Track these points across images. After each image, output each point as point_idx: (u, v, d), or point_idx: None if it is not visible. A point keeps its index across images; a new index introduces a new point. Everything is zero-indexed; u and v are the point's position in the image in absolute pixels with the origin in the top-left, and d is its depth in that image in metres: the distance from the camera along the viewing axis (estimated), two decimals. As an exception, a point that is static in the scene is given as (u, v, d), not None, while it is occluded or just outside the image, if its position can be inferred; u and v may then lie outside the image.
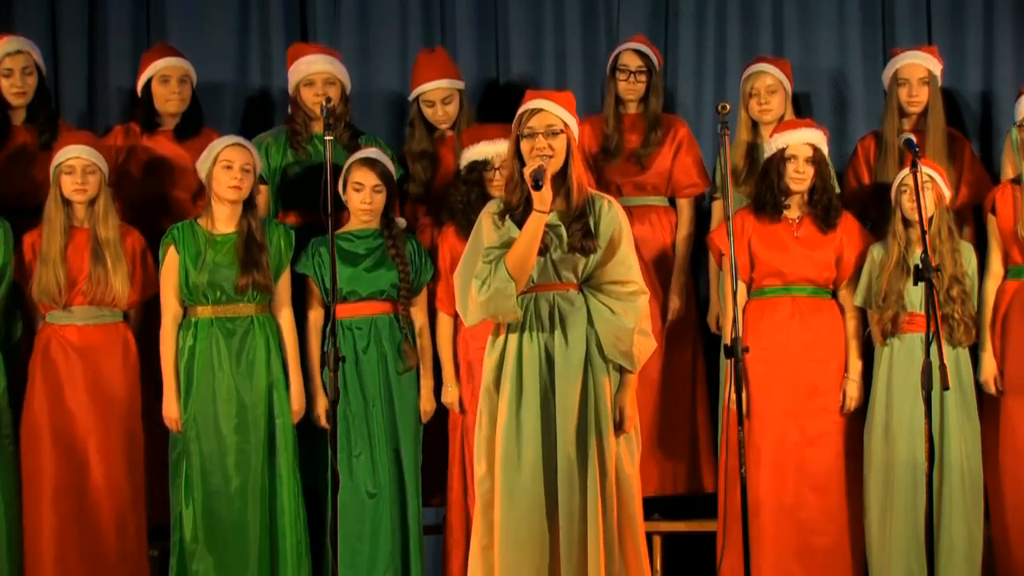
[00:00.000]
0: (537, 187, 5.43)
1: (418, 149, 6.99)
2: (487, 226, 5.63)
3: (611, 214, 5.63)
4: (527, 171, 5.48)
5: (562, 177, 5.59)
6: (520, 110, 5.63)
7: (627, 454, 5.63)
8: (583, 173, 5.65)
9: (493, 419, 5.62)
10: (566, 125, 5.59)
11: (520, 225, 5.54)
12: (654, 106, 6.97)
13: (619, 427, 5.61)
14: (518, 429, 5.56)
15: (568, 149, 5.59)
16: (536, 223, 5.48)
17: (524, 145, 5.58)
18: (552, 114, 5.58)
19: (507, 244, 5.55)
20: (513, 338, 5.62)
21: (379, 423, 6.49)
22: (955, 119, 7.16)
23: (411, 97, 7.03)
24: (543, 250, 5.57)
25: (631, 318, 5.58)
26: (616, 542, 5.55)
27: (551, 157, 5.54)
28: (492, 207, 5.68)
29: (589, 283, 5.64)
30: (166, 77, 6.88)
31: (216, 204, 6.48)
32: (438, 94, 6.97)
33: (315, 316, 6.58)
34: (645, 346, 5.63)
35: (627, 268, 5.62)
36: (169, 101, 6.90)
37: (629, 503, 5.60)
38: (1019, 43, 7.40)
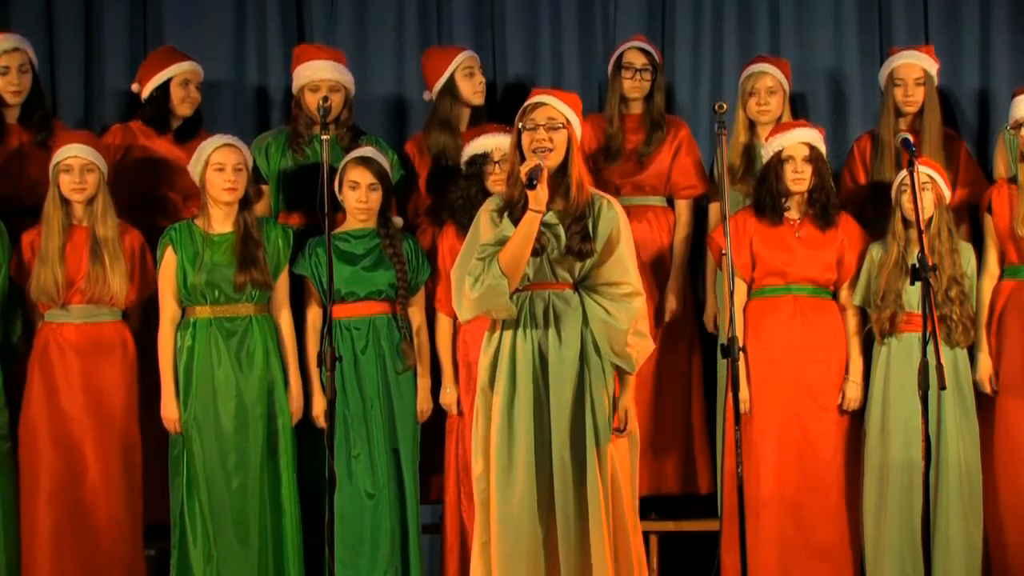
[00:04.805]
0: (531, 186, 5.41)
1: (454, 116, 6.92)
2: (484, 222, 5.63)
3: (610, 214, 5.62)
4: (523, 169, 5.47)
5: (562, 174, 5.59)
6: (524, 104, 5.63)
7: (627, 453, 5.64)
8: (584, 172, 5.64)
9: (488, 418, 5.62)
10: (568, 122, 5.58)
11: (518, 223, 5.53)
12: (658, 103, 6.98)
13: (622, 427, 5.62)
14: (511, 428, 5.56)
15: (569, 145, 5.58)
16: (530, 222, 5.48)
17: (525, 138, 5.57)
18: (554, 108, 5.57)
19: (502, 241, 5.54)
20: (507, 337, 5.62)
21: (378, 424, 6.48)
22: (951, 119, 7.16)
23: (447, 72, 6.95)
24: (540, 250, 5.57)
25: (625, 320, 5.57)
26: (615, 541, 5.56)
27: (551, 150, 5.54)
28: (491, 204, 5.67)
29: (585, 283, 5.63)
30: (188, 81, 6.91)
31: (212, 205, 6.48)
32: (477, 62, 6.99)
33: (313, 316, 6.57)
34: (642, 347, 5.63)
35: (623, 270, 5.61)
36: (184, 103, 6.92)
37: (620, 503, 5.59)
38: (1015, 43, 7.40)
